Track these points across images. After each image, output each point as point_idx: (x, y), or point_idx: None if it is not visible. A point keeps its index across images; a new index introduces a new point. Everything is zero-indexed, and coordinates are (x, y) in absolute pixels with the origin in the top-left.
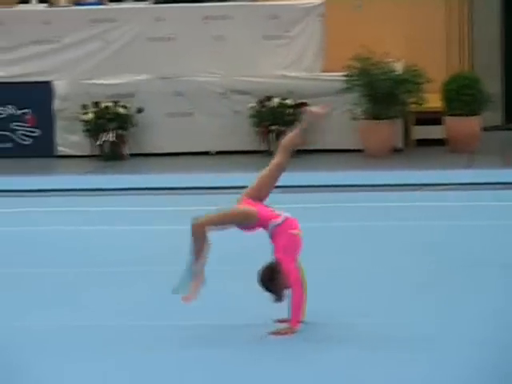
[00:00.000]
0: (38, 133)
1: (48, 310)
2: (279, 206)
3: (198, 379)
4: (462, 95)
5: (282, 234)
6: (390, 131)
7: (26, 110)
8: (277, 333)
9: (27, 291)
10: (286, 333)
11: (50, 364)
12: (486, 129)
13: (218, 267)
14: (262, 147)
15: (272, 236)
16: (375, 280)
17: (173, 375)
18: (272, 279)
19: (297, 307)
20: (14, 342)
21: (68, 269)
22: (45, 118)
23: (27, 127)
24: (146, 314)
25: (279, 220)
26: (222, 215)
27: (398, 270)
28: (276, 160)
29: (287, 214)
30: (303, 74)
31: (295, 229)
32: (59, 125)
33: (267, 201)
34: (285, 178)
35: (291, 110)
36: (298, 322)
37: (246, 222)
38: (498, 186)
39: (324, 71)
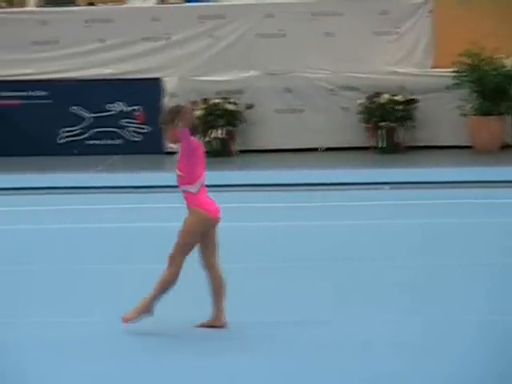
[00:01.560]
0: (147, 129)
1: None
2: (388, 203)
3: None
4: None
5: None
6: (499, 127)
7: (135, 107)
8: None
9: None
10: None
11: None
12: None
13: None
14: (371, 143)
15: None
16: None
17: None
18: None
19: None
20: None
21: None
22: (154, 115)
23: (137, 124)
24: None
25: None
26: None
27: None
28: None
29: None
30: (413, 70)
31: None
32: None
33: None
34: (393, 175)
35: (401, 107)
36: None
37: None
38: None
39: (433, 67)
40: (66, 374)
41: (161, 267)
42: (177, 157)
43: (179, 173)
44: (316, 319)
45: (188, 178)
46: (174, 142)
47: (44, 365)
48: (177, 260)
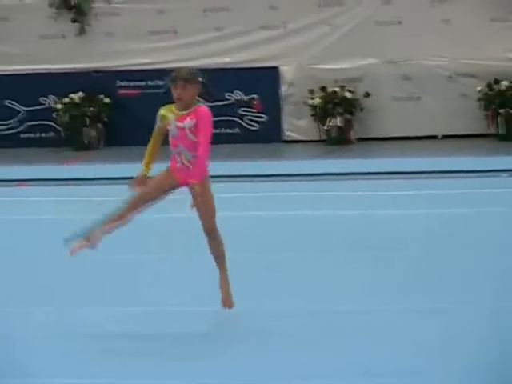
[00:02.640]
0: (265, 118)
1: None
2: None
3: None
4: None
5: None
6: None
7: (253, 96)
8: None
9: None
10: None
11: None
12: None
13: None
14: (491, 131)
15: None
16: None
17: None
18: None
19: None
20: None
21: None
22: (272, 103)
23: (254, 113)
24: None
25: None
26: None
27: None
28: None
29: None
30: None
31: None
32: (286, 110)
33: None
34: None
35: None
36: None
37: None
38: None
39: None
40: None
41: (281, 256)
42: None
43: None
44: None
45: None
46: (184, 107)
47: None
48: (215, 229)
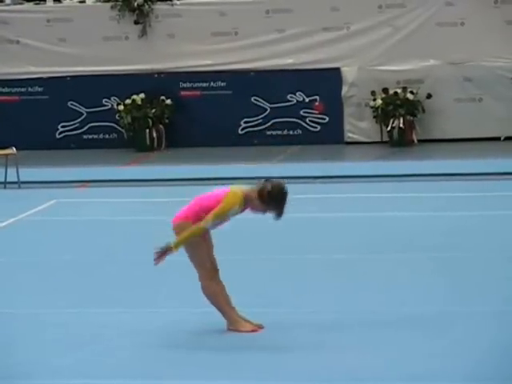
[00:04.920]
0: (327, 119)
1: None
2: None
3: None
4: None
5: None
6: None
7: (314, 97)
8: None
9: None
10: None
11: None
12: None
13: None
14: None
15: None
16: None
17: None
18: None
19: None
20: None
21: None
22: (334, 105)
23: (316, 114)
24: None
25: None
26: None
27: None
28: None
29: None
30: None
31: None
32: (347, 111)
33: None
34: None
35: None
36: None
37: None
38: None
39: None
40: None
41: (344, 257)
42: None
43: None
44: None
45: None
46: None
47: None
48: (201, 279)
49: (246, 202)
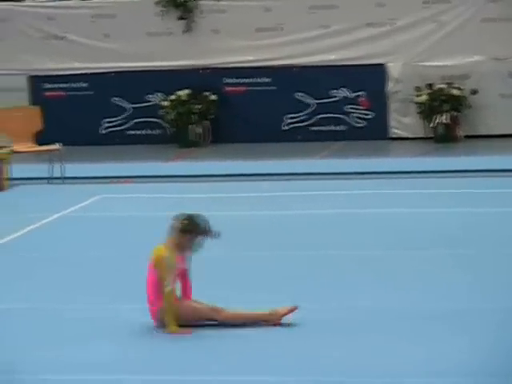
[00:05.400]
0: (371, 115)
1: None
2: None
3: None
4: None
5: None
6: None
7: (359, 93)
8: None
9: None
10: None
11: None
12: None
13: None
14: None
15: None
16: None
17: None
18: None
19: None
20: None
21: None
22: (378, 101)
23: (361, 110)
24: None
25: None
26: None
27: None
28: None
29: None
30: None
31: None
32: (392, 107)
33: None
34: None
35: None
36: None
37: None
38: None
39: None
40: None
41: (389, 253)
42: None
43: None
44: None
45: None
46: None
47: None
48: None
49: (172, 249)
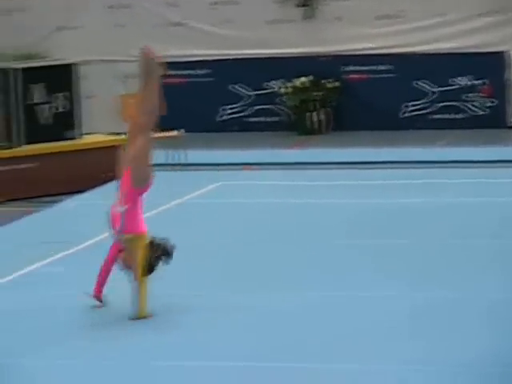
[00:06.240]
0: (492, 103)
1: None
2: None
3: None
4: None
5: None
6: None
7: (479, 81)
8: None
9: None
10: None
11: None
12: None
13: None
14: None
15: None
16: None
17: None
18: None
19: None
20: None
21: None
22: (497, 89)
23: (480, 98)
24: None
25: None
26: None
27: None
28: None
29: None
30: None
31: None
32: None
33: None
34: None
35: None
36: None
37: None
38: None
39: None
40: None
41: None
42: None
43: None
44: None
45: None
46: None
47: None
48: None
49: None
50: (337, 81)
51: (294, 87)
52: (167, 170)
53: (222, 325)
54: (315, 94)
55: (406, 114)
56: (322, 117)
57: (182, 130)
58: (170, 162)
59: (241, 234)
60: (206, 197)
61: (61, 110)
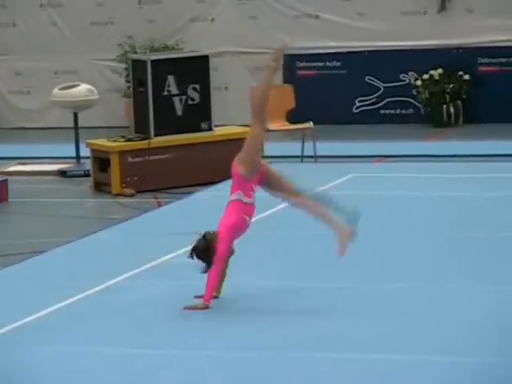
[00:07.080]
0: None
1: None
2: None
3: None
4: None
5: (237, 212)
6: None
7: None
8: (190, 307)
9: None
10: (197, 308)
11: None
12: None
13: None
14: None
15: (228, 207)
16: None
17: None
18: (206, 249)
19: (210, 285)
20: None
21: None
22: None
23: None
24: None
25: (250, 200)
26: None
27: None
28: (250, 131)
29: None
30: None
31: (249, 215)
32: None
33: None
34: None
35: None
36: (210, 298)
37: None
38: None
39: None
40: None
41: None
42: None
43: None
44: None
45: None
46: None
47: None
48: None
49: None
50: (469, 73)
51: (427, 79)
52: (297, 162)
53: (366, 315)
54: (447, 86)
55: None
56: (454, 109)
57: (311, 123)
58: (301, 154)
59: (368, 225)
60: (338, 188)
61: (195, 101)
